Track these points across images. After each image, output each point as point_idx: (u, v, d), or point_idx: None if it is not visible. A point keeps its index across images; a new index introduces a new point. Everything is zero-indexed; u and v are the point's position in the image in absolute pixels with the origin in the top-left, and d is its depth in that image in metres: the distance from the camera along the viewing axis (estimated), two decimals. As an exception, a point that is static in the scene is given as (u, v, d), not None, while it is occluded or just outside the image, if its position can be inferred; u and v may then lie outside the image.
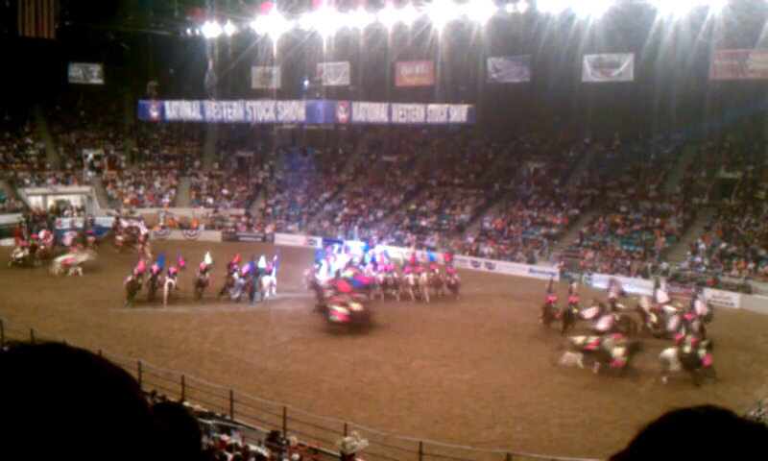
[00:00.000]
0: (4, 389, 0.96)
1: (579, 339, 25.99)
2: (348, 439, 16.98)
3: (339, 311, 29.65)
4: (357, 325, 29.55)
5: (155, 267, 35.26)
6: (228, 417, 19.92)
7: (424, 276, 36.12)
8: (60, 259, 40.46)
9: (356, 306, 30.10)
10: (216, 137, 64.13)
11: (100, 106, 64.22)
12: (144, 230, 48.59)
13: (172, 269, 34.98)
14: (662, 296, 31.72)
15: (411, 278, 36.13)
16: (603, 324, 27.20)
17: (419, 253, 41.97)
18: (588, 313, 29.34)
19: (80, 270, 39.81)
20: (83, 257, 40.91)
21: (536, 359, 26.65)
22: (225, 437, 16.84)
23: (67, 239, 44.95)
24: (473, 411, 21.88)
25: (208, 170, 62.51)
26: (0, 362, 1.00)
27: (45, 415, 0.95)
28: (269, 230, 53.90)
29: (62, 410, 0.96)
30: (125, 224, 49.36)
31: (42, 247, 43.28)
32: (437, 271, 36.72)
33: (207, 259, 36.08)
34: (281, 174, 61.48)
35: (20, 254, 41.76)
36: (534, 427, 20.75)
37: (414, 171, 57.84)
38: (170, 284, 34.18)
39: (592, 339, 25.64)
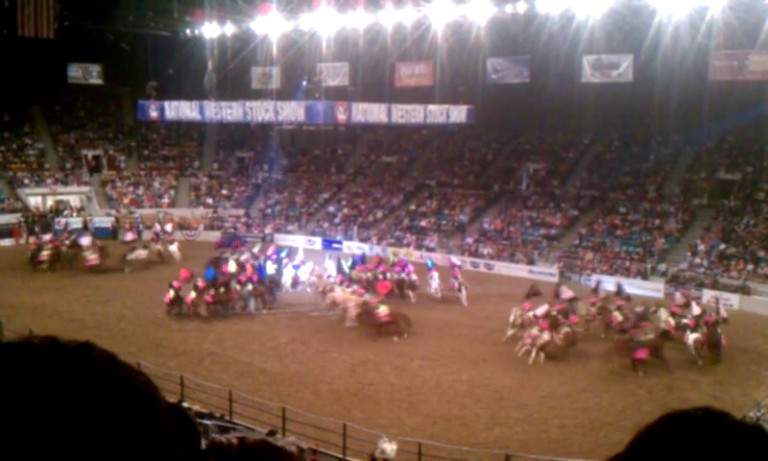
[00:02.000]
0: (28, 388, 0.95)
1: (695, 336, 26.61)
2: (385, 446, 16.95)
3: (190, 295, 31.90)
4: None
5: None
6: (228, 417, 19.90)
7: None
8: (174, 247, 44.79)
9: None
10: (215, 138, 64.09)
11: (99, 106, 64.18)
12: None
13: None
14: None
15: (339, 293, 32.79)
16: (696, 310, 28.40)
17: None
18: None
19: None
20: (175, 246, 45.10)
21: (535, 360, 26.63)
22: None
23: (169, 226, 48.94)
24: (472, 412, 21.88)
25: (208, 170, 62.52)
26: (28, 358, 0.99)
27: (62, 418, 0.94)
28: (268, 230, 53.88)
29: (82, 415, 0.95)
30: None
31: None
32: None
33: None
34: (281, 174, 61.48)
35: (139, 255, 41.92)
36: (533, 428, 20.75)
37: (413, 172, 57.85)
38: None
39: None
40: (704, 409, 1.11)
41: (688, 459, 1.04)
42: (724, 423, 1.08)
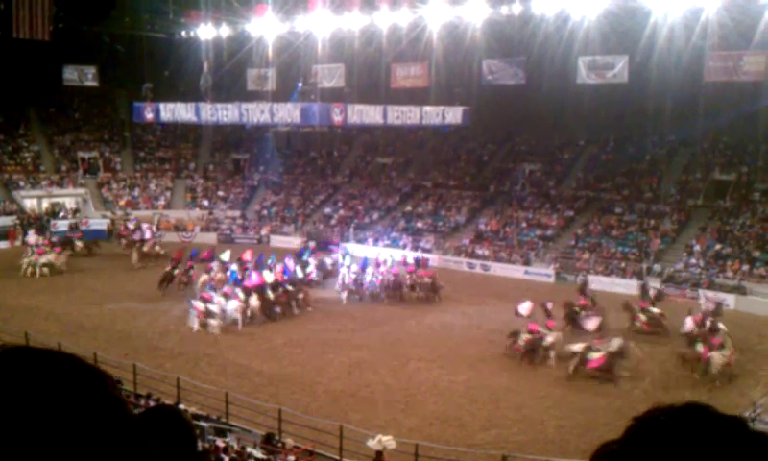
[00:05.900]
0: None
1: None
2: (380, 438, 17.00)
3: None
4: None
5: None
6: (224, 419, 19.90)
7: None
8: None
9: None
10: (211, 139, 64.03)
11: (95, 108, 64.12)
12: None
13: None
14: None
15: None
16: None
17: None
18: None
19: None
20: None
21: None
22: (220, 442, 16.82)
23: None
24: (469, 413, 21.89)
25: (203, 172, 62.45)
26: None
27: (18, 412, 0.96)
28: (264, 231, 53.84)
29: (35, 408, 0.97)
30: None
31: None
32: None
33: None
34: (277, 176, 61.43)
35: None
36: (529, 429, 20.77)
37: (409, 173, 57.85)
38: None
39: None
40: (686, 403, 1.14)
41: (670, 450, 1.07)
42: (704, 414, 1.11)
